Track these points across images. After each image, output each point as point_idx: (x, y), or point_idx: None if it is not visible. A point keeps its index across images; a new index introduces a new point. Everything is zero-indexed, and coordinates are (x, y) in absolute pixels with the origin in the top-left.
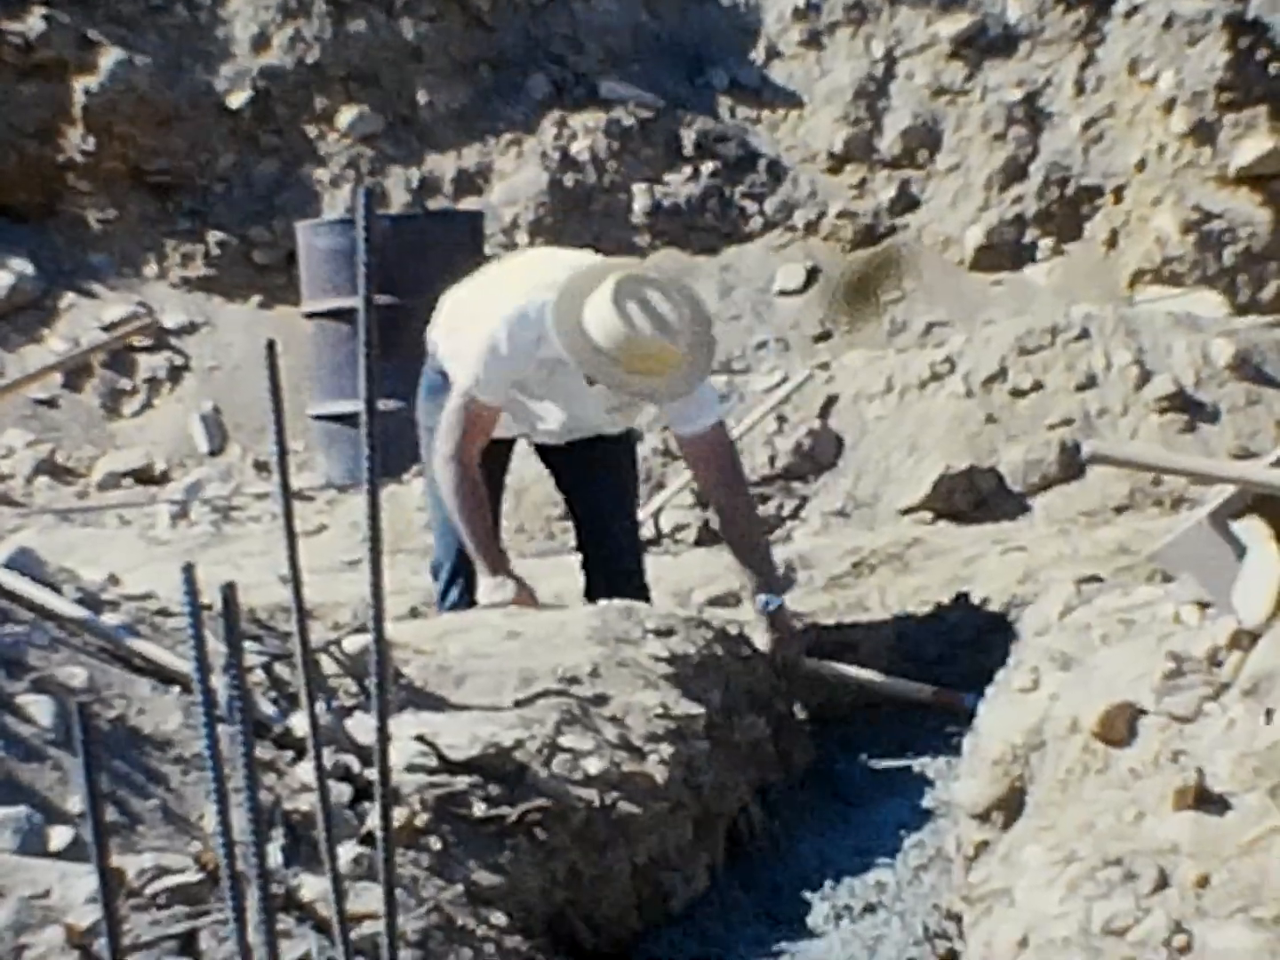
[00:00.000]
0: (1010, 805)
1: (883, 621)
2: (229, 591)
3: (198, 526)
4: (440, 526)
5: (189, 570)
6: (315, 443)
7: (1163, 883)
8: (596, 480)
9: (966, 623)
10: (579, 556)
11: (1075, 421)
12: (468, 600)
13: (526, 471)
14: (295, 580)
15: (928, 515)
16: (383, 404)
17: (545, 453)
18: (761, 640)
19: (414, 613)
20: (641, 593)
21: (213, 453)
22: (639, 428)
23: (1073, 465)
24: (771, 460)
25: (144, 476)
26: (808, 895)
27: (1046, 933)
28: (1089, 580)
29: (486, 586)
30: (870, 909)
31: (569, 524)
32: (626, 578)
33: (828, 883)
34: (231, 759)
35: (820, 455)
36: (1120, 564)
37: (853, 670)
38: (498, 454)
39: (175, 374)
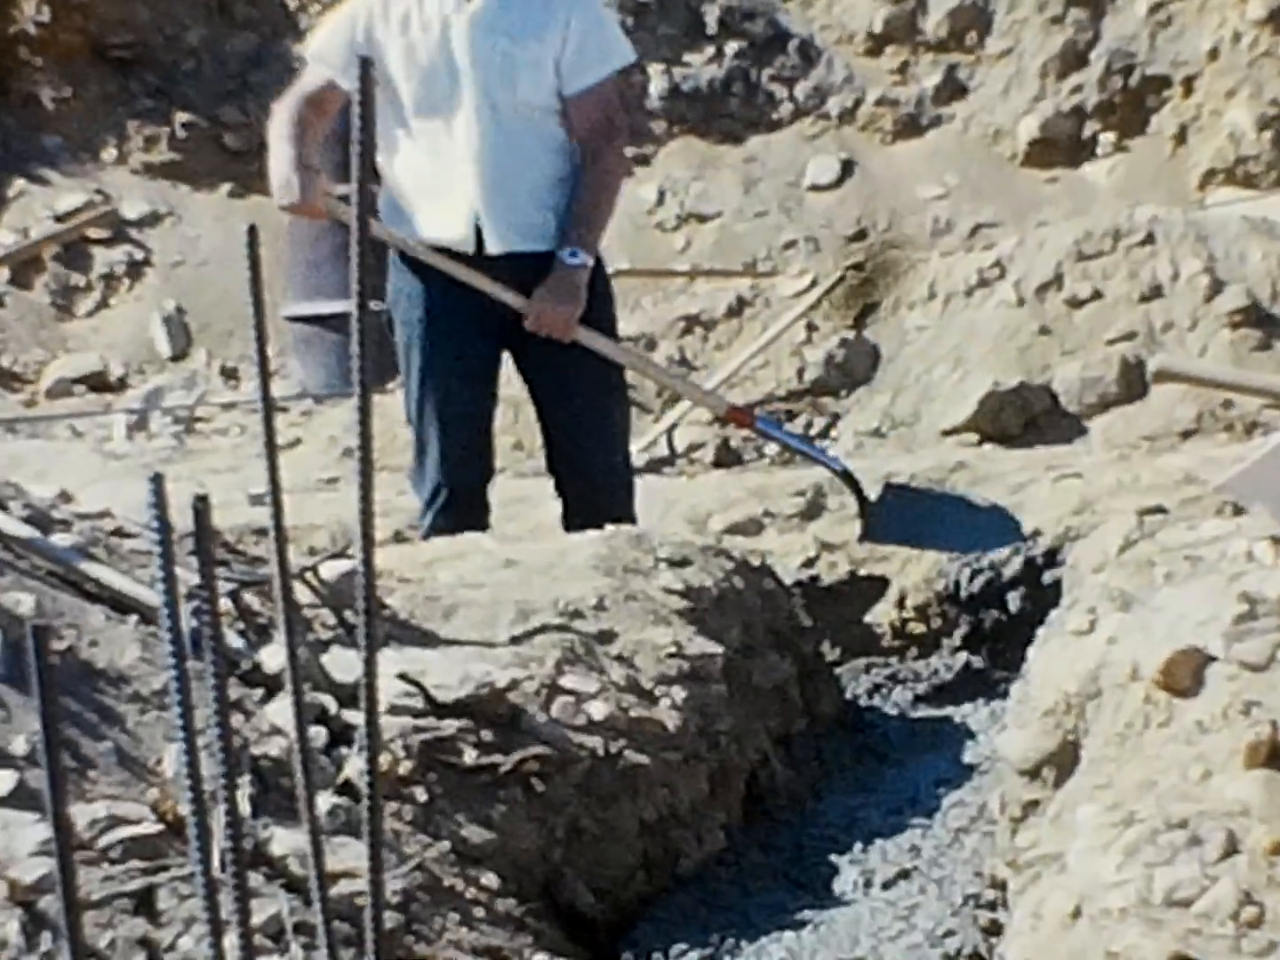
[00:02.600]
0: (1062, 760)
1: (921, 555)
2: (201, 506)
3: (158, 439)
4: (413, 428)
5: (157, 481)
6: (289, 348)
7: (1232, 848)
8: (568, 387)
9: (1015, 557)
10: (552, 475)
11: (1138, 336)
12: (449, 528)
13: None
14: (275, 499)
15: (973, 437)
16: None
17: (515, 349)
18: (525, 298)
19: (399, 537)
20: (628, 515)
21: (175, 357)
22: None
23: (1135, 384)
24: (800, 373)
25: (99, 383)
26: (834, 858)
27: (1102, 902)
28: (1151, 512)
29: (276, 182)
30: (904, 875)
31: None
32: (613, 498)
33: (857, 845)
34: (198, 696)
35: (854, 368)
36: (1186, 494)
37: (633, 353)
38: (483, 363)
39: (135, 270)
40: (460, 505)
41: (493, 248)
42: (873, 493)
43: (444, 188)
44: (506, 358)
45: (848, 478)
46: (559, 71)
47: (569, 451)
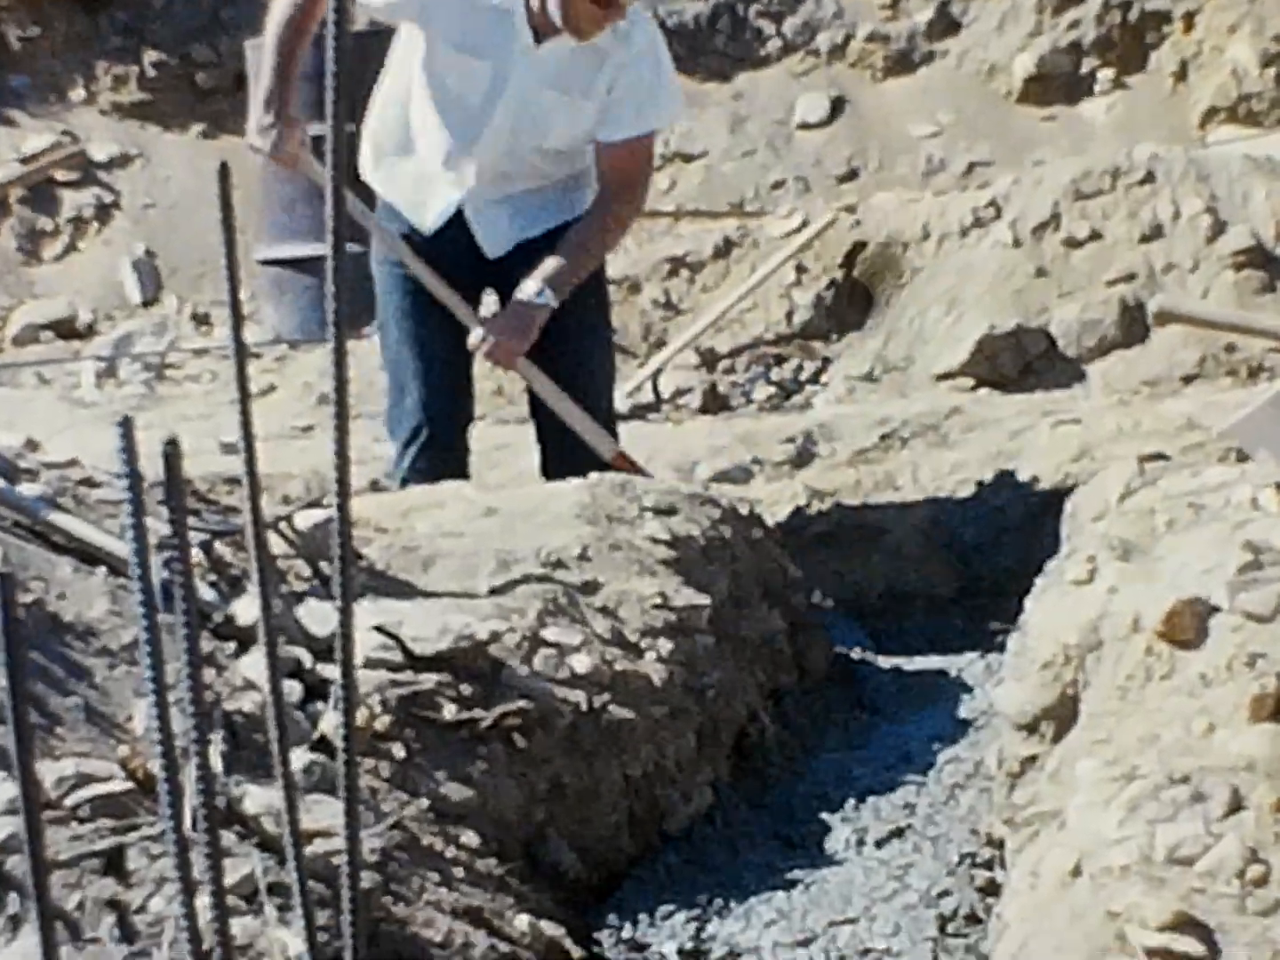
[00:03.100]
0: (1061, 715)
1: (915, 502)
2: (171, 450)
3: (127, 387)
4: (389, 370)
5: (126, 424)
6: (262, 292)
7: (1236, 805)
8: (551, 332)
9: (1012, 505)
10: (534, 423)
11: (1138, 277)
12: (427, 470)
13: None
14: (248, 447)
15: (968, 382)
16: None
17: (500, 291)
18: (477, 319)
19: (375, 486)
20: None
21: (145, 303)
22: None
23: (1135, 327)
24: (789, 316)
25: (66, 330)
26: (826, 816)
27: (1102, 860)
28: (1153, 458)
29: (253, 121)
30: (898, 833)
31: None
32: (589, 464)
33: (849, 802)
34: (169, 650)
35: (845, 311)
36: (1188, 441)
37: (543, 382)
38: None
39: (104, 213)
40: (439, 447)
41: (489, 252)
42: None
43: (435, 169)
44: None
45: None
46: (596, 119)
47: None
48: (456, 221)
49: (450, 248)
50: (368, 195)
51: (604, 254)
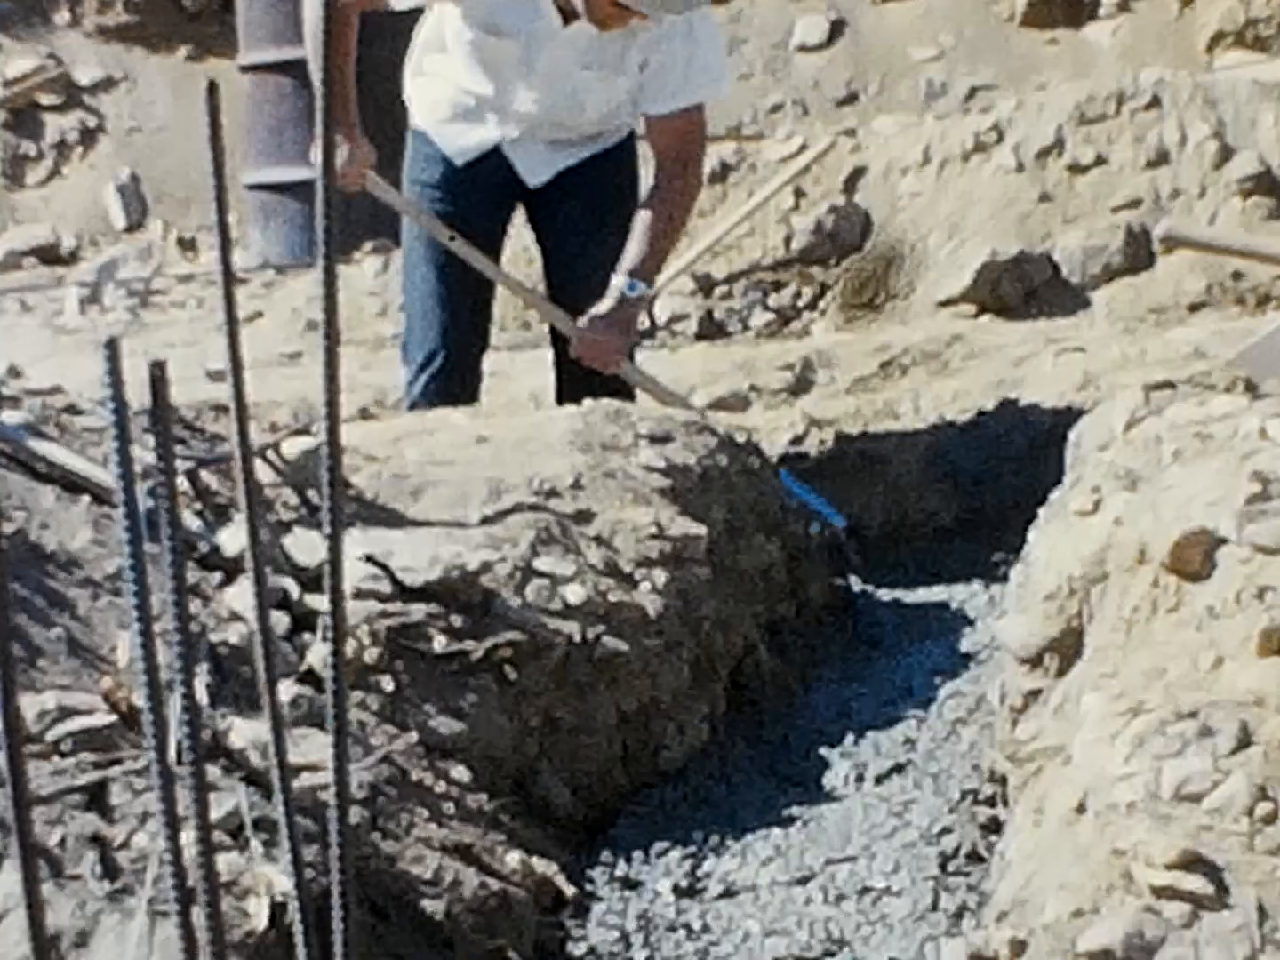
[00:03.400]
0: (1066, 648)
1: (915, 431)
2: (158, 374)
3: (111, 313)
4: (410, 295)
5: (112, 346)
6: (249, 217)
7: (1245, 740)
8: (577, 231)
9: (1014, 434)
10: (553, 349)
11: (1144, 203)
12: (440, 393)
13: None
14: (235, 374)
15: (970, 309)
16: None
17: (531, 209)
18: (575, 323)
19: (364, 414)
20: (624, 390)
21: (130, 228)
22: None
23: (1140, 253)
24: (787, 241)
25: (50, 256)
26: (824, 752)
27: (1107, 797)
28: (1159, 387)
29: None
30: (897, 769)
31: None
32: (605, 390)
33: (848, 737)
34: (155, 581)
35: (844, 237)
36: (1196, 369)
37: (647, 381)
38: (493, 232)
39: (88, 137)
40: (455, 372)
41: (529, 181)
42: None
43: (473, 113)
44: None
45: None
46: (637, 95)
47: (575, 313)
48: (493, 152)
49: (486, 176)
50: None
51: (677, 232)
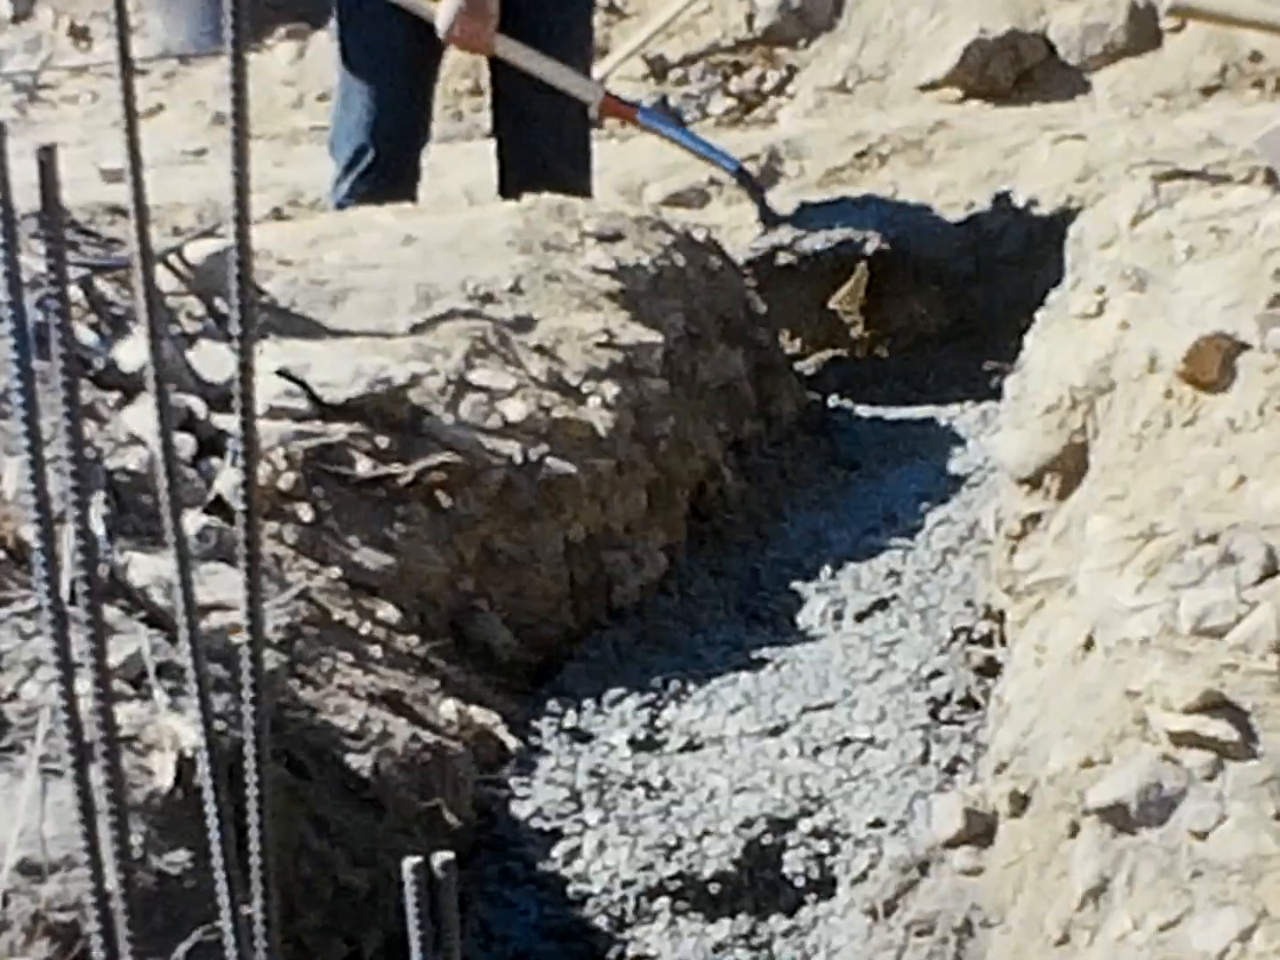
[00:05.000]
0: (1069, 466)
1: (896, 226)
2: (47, 160)
3: None
4: (341, 81)
5: None
6: (149, 1)
7: (1272, 568)
8: (528, 23)
9: (1008, 231)
10: (495, 138)
11: None
12: (370, 195)
13: None
14: (135, 173)
15: (955, 92)
16: None
17: None
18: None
19: (277, 214)
20: (580, 187)
21: (16, 18)
22: None
23: (1146, 31)
24: (749, 20)
25: None
26: (797, 586)
27: (1118, 632)
28: (1170, 177)
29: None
30: (881, 605)
31: (483, 100)
32: (563, 164)
33: (824, 570)
34: (44, 401)
35: (814, 13)
36: (1210, 159)
37: (519, 51)
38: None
39: None
40: (384, 171)
41: None
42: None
43: None
44: None
45: (744, 178)
46: None
47: (520, 95)
48: None
49: None
50: None
51: None
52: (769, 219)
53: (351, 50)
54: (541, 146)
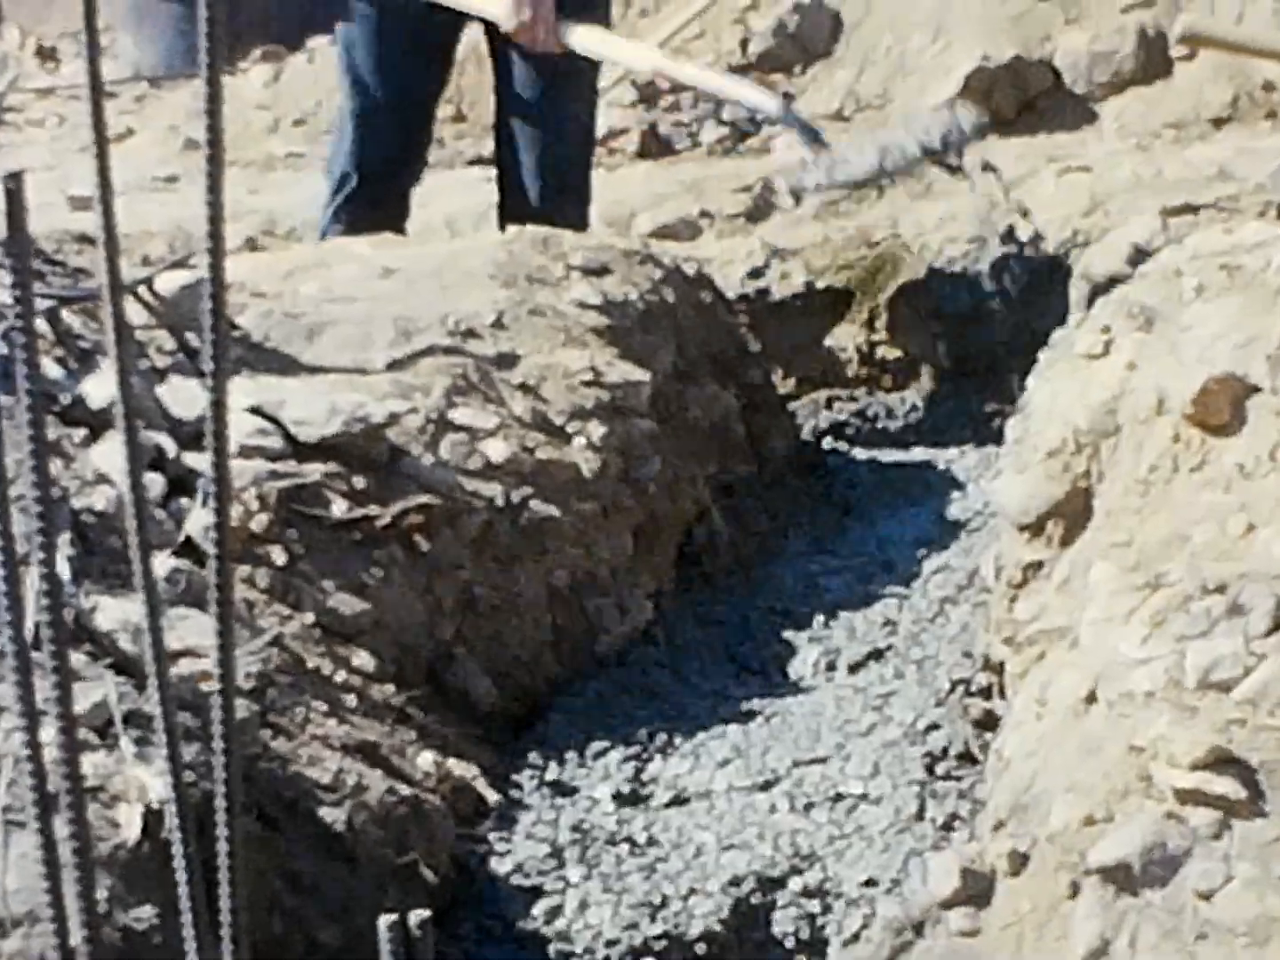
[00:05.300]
0: (1072, 512)
1: (894, 262)
2: (14, 187)
3: None
4: (342, 101)
5: None
6: (120, 21)
7: None
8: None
9: (1012, 266)
10: (496, 164)
11: (1158, 2)
12: (353, 225)
13: None
14: (104, 200)
15: None
16: None
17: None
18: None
19: (251, 244)
20: (580, 218)
21: None
22: None
23: (1155, 59)
24: (744, 45)
25: None
26: (789, 635)
27: (1122, 685)
28: (1179, 212)
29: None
30: (876, 655)
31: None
32: (565, 195)
33: (817, 618)
34: (9, 438)
35: (811, 38)
36: (1221, 192)
37: (640, 51)
38: (446, 31)
39: None
40: (371, 201)
41: None
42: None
43: None
44: None
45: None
46: None
47: (524, 121)
48: None
49: None
50: None
51: None
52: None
53: (351, 71)
54: (543, 177)
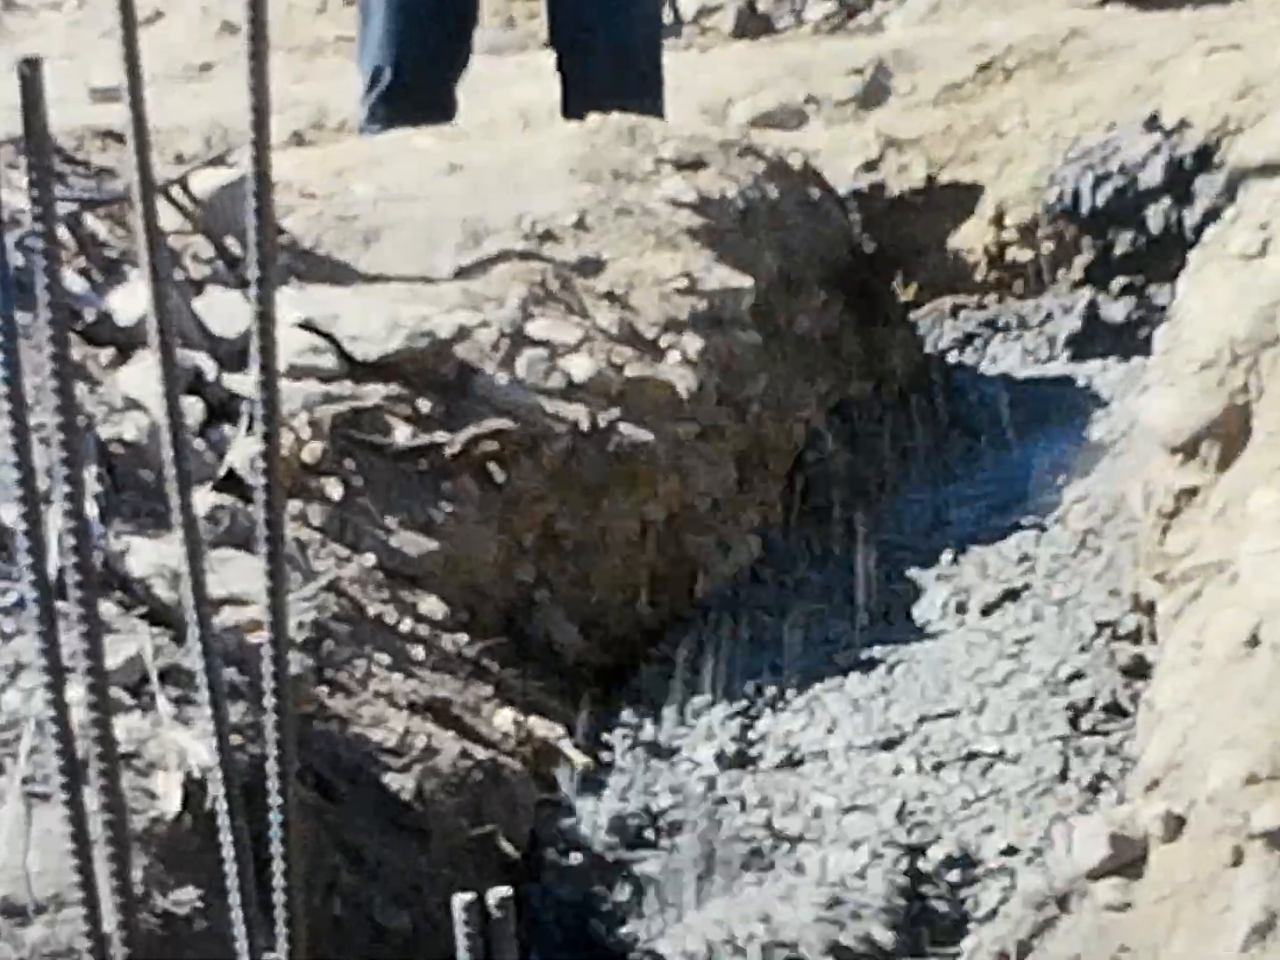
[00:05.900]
0: (1229, 432)
1: (1024, 154)
2: (30, 75)
3: None
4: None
5: None
6: None
7: None
8: None
9: (1154, 157)
10: (554, 53)
11: None
12: (391, 120)
13: None
14: (134, 91)
15: None
16: None
17: None
18: None
19: (299, 139)
20: (653, 105)
21: None
22: None
23: None
24: None
25: None
26: (914, 574)
27: None
28: None
29: None
30: (1011, 595)
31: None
32: (633, 80)
33: (944, 555)
34: (28, 359)
35: None
36: None
37: None
38: None
39: None
40: (407, 96)
41: None
42: None
43: None
44: None
45: None
46: None
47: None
48: None
49: None
50: None
51: None
52: None
53: None
54: (606, 61)
